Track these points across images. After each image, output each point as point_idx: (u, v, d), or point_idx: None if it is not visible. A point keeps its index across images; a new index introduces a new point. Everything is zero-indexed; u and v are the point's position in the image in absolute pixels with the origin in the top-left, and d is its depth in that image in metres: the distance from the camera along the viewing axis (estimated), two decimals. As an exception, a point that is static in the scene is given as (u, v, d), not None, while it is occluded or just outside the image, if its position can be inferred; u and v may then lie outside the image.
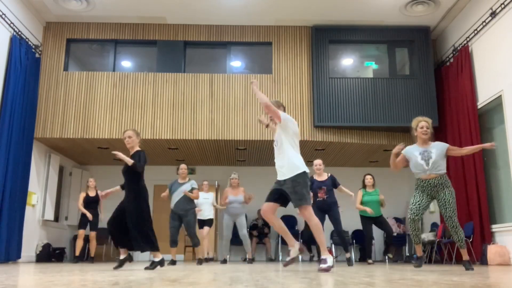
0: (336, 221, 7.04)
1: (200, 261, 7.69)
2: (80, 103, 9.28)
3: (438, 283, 2.77)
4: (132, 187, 5.06)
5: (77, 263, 8.19)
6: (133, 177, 5.06)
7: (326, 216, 7.10)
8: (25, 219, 8.63)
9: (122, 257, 5.16)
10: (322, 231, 4.54)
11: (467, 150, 5.16)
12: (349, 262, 7.06)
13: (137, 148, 5.24)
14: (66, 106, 9.25)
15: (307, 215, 4.42)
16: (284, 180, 4.48)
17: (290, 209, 11.83)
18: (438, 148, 5.04)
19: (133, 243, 5.01)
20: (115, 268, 5.07)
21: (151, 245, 5.03)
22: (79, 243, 8.83)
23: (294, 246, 4.64)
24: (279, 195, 4.57)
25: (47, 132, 9.11)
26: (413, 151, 5.13)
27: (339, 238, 7.20)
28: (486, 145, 5.06)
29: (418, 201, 5.03)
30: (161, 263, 5.09)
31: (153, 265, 5.04)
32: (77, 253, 8.84)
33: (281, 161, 4.54)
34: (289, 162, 4.48)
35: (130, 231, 4.99)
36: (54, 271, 4.56)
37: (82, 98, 9.31)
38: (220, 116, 9.30)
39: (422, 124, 5.15)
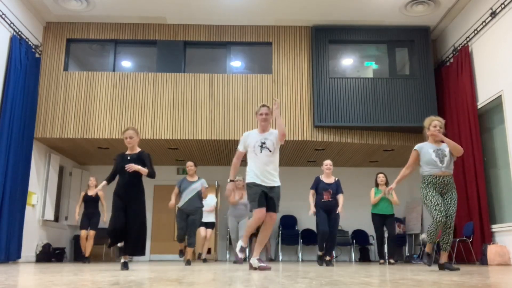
0: (335, 223, 7.09)
1: (189, 262, 7.52)
2: (80, 103, 9.28)
3: (438, 283, 2.77)
4: (136, 183, 5.08)
5: (86, 263, 8.21)
6: (138, 174, 5.10)
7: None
8: (25, 219, 8.62)
9: (124, 260, 5.03)
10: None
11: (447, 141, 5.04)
12: (328, 263, 6.93)
13: (138, 148, 5.25)
14: (66, 106, 9.25)
15: (274, 221, 4.96)
16: (273, 187, 4.94)
17: (291, 209, 11.79)
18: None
19: (131, 245, 4.89)
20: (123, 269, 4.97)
21: (144, 249, 5.01)
22: (83, 244, 8.76)
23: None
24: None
25: (47, 132, 9.11)
26: (427, 148, 5.04)
27: (330, 239, 7.09)
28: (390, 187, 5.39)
29: (440, 200, 4.85)
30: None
31: (127, 265, 4.98)
32: (86, 253, 8.75)
33: (273, 169, 4.96)
34: (277, 171, 5.03)
35: (133, 232, 4.88)
36: (54, 271, 4.56)
37: (82, 98, 9.31)
38: (220, 116, 9.30)
39: (435, 123, 5.06)
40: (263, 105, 5.08)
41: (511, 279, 3.21)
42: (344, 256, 11.58)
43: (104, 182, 5.21)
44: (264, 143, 4.95)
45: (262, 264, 4.82)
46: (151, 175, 5.11)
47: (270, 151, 4.93)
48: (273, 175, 4.94)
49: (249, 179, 4.98)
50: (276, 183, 4.97)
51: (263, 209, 4.83)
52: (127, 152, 5.24)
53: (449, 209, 4.89)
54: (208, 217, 9.18)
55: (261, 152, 4.93)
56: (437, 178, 4.90)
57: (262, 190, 4.87)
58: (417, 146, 5.13)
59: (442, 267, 4.91)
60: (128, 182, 5.05)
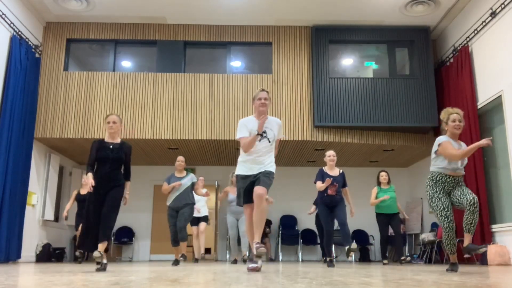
0: (342, 214, 6.36)
1: (184, 257, 7.32)
2: (80, 103, 9.28)
3: (438, 283, 2.77)
4: (117, 175, 4.83)
5: (81, 263, 8.13)
6: (120, 166, 4.90)
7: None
8: (25, 219, 8.62)
9: (105, 260, 4.70)
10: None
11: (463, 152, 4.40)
12: (329, 263, 6.33)
13: (119, 138, 4.97)
14: (66, 106, 9.25)
15: (261, 198, 4.34)
16: (261, 172, 4.49)
17: (291, 209, 11.79)
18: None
19: (102, 232, 4.62)
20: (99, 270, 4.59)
21: (108, 233, 4.71)
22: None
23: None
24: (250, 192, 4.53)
25: (47, 132, 9.11)
26: (454, 145, 4.49)
27: (342, 231, 6.39)
28: (482, 142, 4.25)
29: (447, 205, 4.44)
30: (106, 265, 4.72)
31: (104, 266, 4.65)
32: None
33: (269, 158, 4.60)
34: (273, 160, 4.66)
35: (106, 218, 4.63)
36: (54, 271, 4.56)
37: (82, 98, 9.31)
38: (220, 116, 9.30)
39: (454, 117, 4.50)
40: (262, 90, 4.72)
41: (511, 279, 3.21)
42: (344, 256, 11.58)
43: (90, 174, 4.78)
44: (264, 131, 4.55)
45: (258, 245, 4.30)
46: (127, 176, 4.94)
47: (270, 141, 4.56)
48: (264, 163, 4.53)
49: (238, 171, 4.61)
50: (267, 168, 4.49)
51: (250, 205, 4.54)
52: (108, 140, 4.91)
53: (468, 196, 4.34)
54: (201, 211, 9.01)
55: (259, 141, 4.52)
56: (449, 177, 4.48)
57: (249, 182, 4.50)
58: (446, 138, 4.51)
59: (466, 249, 4.37)
60: (108, 173, 4.77)
